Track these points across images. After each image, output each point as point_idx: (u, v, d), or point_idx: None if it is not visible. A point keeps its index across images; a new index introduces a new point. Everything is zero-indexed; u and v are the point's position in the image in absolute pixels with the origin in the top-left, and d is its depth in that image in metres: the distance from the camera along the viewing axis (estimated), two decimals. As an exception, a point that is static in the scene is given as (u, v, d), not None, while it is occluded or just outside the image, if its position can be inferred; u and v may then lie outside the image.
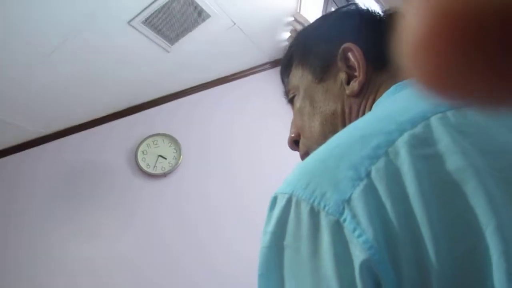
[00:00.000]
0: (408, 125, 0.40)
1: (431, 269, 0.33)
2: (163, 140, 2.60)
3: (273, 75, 2.69)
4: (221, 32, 2.26)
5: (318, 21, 0.71)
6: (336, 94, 0.62)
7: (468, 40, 0.16)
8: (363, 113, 0.59)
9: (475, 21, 0.16)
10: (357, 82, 0.60)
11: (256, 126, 2.62)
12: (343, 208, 0.36)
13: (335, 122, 0.62)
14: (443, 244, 0.34)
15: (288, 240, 0.39)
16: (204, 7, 2.04)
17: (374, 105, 0.58)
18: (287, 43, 2.58)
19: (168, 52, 2.27)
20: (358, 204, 0.36)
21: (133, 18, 1.96)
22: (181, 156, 2.55)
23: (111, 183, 2.53)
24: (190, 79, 2.67)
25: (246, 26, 2.30)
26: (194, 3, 2.00)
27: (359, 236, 0.35)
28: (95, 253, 2.37)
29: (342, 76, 0.62)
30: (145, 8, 1.93)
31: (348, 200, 0.37)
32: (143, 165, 2.52)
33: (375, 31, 0.61)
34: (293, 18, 2.36)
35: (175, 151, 2.57)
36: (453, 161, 0.37)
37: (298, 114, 0.68)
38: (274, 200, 0.42)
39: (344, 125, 0.60)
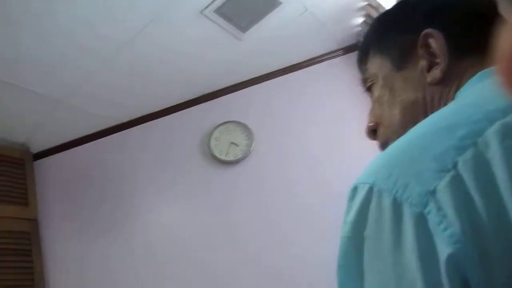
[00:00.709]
0: (498, 114, 0.38)
1: None
2: (235, 127, 2.65)
3: (346, 61, 2.63)
4: (292, 18, 2.25)
5: (396, 6, 0.68)
6: (416, 83, 0.60)
7: None
8: (446, 102, 0.57)
9: None
10: (439, 69, 0.57)
11: (329, 113, 2.59)
12: (427, 200, 0.36)
13: (416, 112, 0.60)
14: None
15: (369, 231, 0.39)
16: (276, -6, 2.04)
17: (457, 94, 0.55)
18: (359, 29, 2.51)
19: (240, 40, 2.31)
20: (444, 196, 0.35)
21: (206, 8, 2.01)
22: (253, 143, 2.59)
23: (184, 169, 2.64)
24: (262, 67, 2.69)
25: (318, 12, 2.26)
26: (266, -9, 2.01)
27: (445, 229, 0.34)
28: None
29: (423, 63, 0.59)
30: (217, -2, 1.98)
31: (433, 192, 0.36)
32: (215, 152, 2.60)
33: (457, 16, 0.58)
34: (366, 3, 2.29)
35: (247, 138, 2.62)
36: None
37: (377, 103, 0.67)
38: (355, 190, 0.42)
39: (425, 114, 0.57)
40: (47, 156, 2.79)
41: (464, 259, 0.33)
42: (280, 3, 2.10)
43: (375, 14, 2.24)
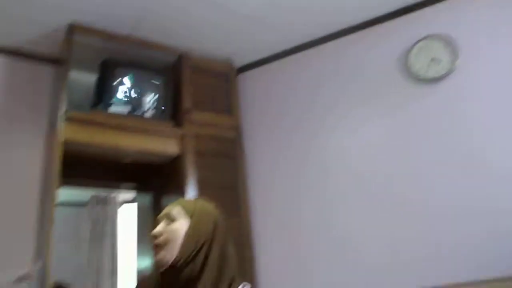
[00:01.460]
0: None
1: None
2: (436, 42, 2.35)
3: None
4: None
5: None
6: None
7: None
8: None
9: None
10: None
11: None
12: None
13: None
14: None
15: None
16: None
17: None
18: None
19: None
20: None
21: None
22: (458, 60, 2.26)
23: (380, 86, 2.50)
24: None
25: None
26: None
27: None
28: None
29: None
30: None
31: None
32: (414, 68, 2.37)
33: None
34: None
35: (450, 53, 2.29)
36: None
37: None
38: None
39: None
40: (249, 70, 3.00)
41: None
42: None
43: None
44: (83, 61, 2.54)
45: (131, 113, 2.48)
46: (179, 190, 2.50)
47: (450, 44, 2.35)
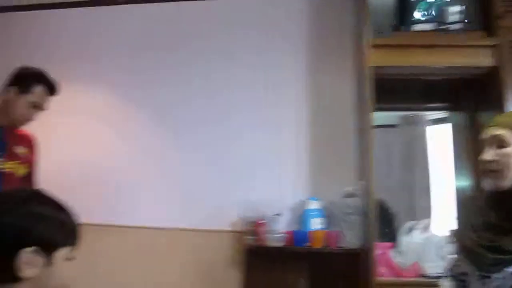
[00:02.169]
0: None
1: None
2: None
3: None
4: None
5: None
6: None
7: None
8: None
9: None
10: None
11: None
12: None
13: None
14: None
15: None
16: None
17: None
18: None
19: None
20: None
21: None
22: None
23: None
24: None
25: None
26: None
27: None
28: None
29: None
30: None
31: None
32: None
33: None
34: None
35: None
36: None
37: None
38: None
39: None
40: None
41: None
42: None
43: None
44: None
45: (435, 29, 2.36)
46: (497, 105, 2.28)
47: None
